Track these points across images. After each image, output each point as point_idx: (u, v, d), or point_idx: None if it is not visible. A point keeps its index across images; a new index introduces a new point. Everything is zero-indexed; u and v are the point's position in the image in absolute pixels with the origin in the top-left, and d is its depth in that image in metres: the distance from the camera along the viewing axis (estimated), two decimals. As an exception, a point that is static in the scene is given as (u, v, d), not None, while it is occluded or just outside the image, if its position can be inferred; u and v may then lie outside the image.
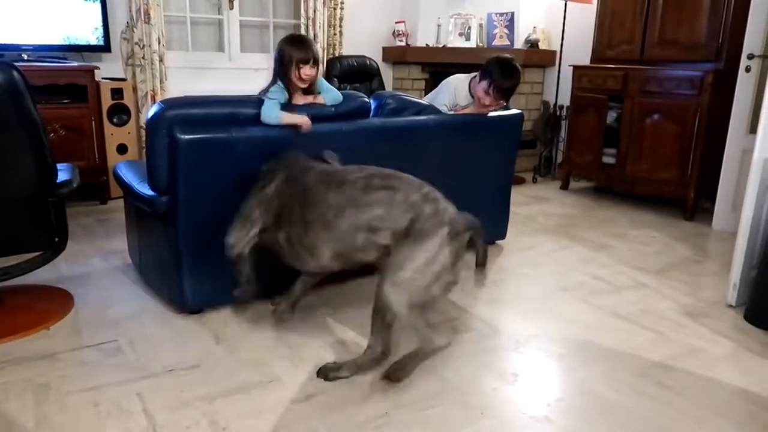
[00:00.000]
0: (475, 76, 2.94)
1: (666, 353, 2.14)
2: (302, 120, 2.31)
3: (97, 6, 3.78)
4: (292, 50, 2.34)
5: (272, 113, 2.27)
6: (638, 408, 1.80)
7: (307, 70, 2.36)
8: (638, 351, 2.15)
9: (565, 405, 1.81)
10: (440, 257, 1.68)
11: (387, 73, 5.32)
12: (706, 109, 3.74)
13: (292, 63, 2.33)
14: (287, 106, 2.34)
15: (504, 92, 2.83)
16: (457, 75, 3.04)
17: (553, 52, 5.10)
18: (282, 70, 2.36)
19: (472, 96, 2.96)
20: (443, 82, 3.08)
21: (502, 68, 2.81)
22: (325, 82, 2.53)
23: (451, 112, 2.95)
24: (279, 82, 2.37)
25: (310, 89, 2.44)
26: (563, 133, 5.04)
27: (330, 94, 2.48)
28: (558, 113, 5.06)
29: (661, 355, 2.12)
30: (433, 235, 1.68)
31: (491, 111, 2.96)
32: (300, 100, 2.40)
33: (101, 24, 3.82)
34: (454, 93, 2.96)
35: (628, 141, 4.15)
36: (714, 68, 3.75)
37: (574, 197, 4.52)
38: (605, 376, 1.97)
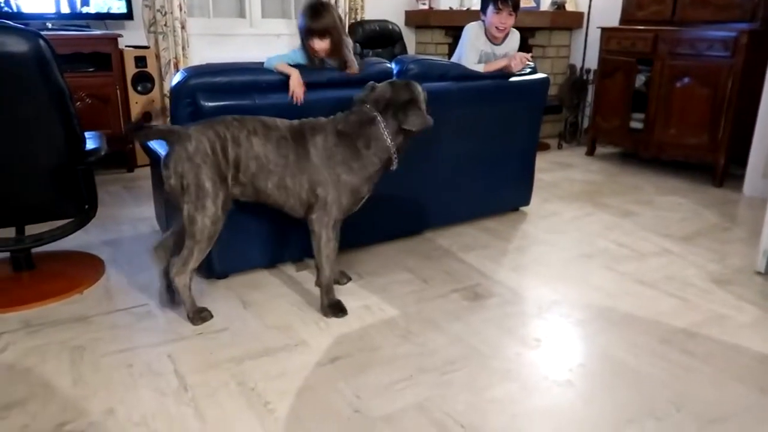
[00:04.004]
0: (482, 19, 2.98)
1: (690, 320, 2.13)
2: (291, 71, 2.25)
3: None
4: (303, 19, 2.27)
5: (271, 60, 2.29)
6: (660, 373, 1.80)
7: (315, 44, 2.27)
8: (661, 317, 2.14)
9: (586, 370, 1.82)
10: None
11: (410, 38, 5.24)
12: (739, 71, 3.62)
13: (303, 33, 2.29)
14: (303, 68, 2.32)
15: (508, 1, 2.87)
16: (468, 25, 3.02)
17: (581, 14, 4.96)
18: (301, 38, 2.34)
19: (489, 40, 2.96)
20: (462, 35, 3.04)
21: None
22: None
23: (482, 65, 2.92)
24: (301, 47, 2.35)
25: (336, 59, 2.38)
26: (590, 97, 4.94)
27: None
28: (585, 77, 4.95)
29: (685, 322, 2.11)
30: None
31: (519, 66, 2.91)
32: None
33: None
34: (474, 41, 2.95)
35: (657, 105, 4.05)
36: (749, 28, 3.61)
37: (600, 163, 4.46)
38: (627, 342, 1.98)
